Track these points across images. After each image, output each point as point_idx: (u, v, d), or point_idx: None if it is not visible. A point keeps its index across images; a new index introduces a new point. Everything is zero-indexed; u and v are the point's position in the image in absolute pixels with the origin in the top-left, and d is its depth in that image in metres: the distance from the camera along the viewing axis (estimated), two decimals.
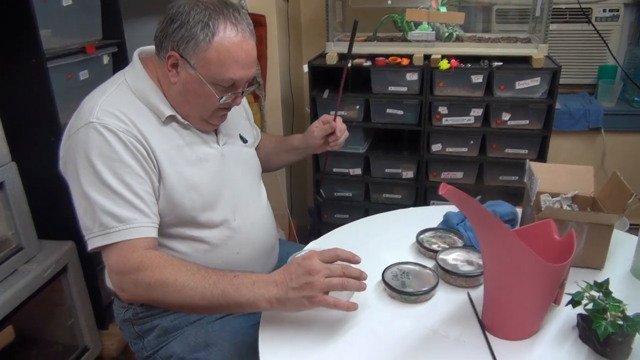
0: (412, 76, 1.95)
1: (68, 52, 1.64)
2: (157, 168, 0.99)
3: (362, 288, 0.88)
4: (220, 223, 1.08)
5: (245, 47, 0.98)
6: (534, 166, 1.16)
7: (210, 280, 0.88)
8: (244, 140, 1.21)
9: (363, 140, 2.18)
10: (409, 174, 2.15)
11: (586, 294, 0.82)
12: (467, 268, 1.03)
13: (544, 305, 0.84)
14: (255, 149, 1.38)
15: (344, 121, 2.19)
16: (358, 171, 2.21)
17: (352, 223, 1.34)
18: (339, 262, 0.90)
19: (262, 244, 1.18)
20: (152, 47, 1.04)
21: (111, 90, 1.00)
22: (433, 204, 2.18)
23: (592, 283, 0.83)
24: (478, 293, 1.00)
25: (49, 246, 1.62)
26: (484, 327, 0.89)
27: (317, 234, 2.56)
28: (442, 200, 2.21)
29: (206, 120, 1.05)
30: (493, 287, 0.85)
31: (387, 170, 2.17)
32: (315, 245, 1.22)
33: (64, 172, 1.00)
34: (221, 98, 0.99)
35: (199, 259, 1.05)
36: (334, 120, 1.29)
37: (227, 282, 0.88)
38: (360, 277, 0.88)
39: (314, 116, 2.16)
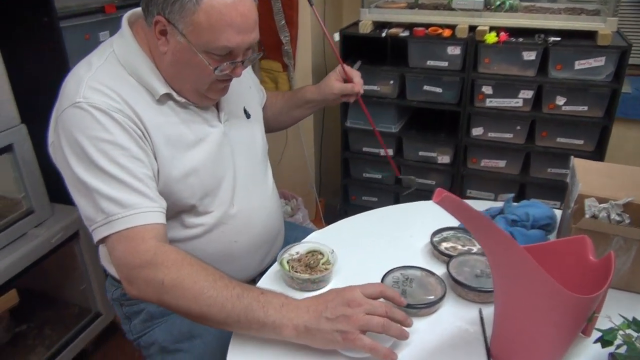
0: (455, 50, 1.76)
1: (86, 12, 1.58)
2: (152, 151, 0.90)
3: (405, 337, 0.75)
4: (216, 209, 0.99)
5: (241, 8, 0.85)
6: (580, 165, 0.99)
7: (233, 291, 0.77)
8: (248, 115, 1.10)
9: (396, 119, 2.02)
10: (445, 159, 1.98)
11: (621, 332, 0.67)
12: (483, 280, 0.89)
13: (565, 341, 0.69)
14: (262, 109, 1.28)
15: (375, 97, 2.08)
16: (390, 152, 2.06)
17: (367, 212, 1.21)
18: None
19: (264, 232, 1.08)
20: None
21: (98, 64, 0.90)
22: (470, 193, 2.01)
23: (631, 318, 0.68)
24: (492, 310, 0.86)
25: (62, 211, 1.61)
26: (490, 355, 0.76)
27: (344, 214, 2.47)
28: (483, 189, 2.04)
29: (204, 94, 0.94)
30: (503, 314, 0.71)
31: (421, 153, 2.01)
32: (318, 235, 1.11)
33: (55, 159, 0.91)
34: (216, 69, 0.88)
35: (186, 246, 0.98)
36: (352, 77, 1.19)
37: (252, 297, 0.77)
38: (405, 322, 0.76)
39: None
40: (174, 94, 0.93)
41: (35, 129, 1.44)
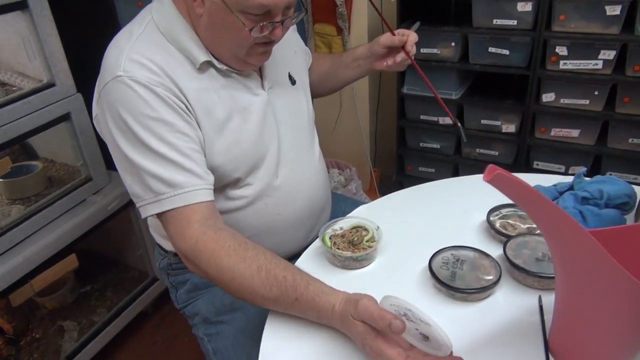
0: (525, 6, 1.59)
1: None
2: (197, 122, 0.87)
3: None
4: (259, 181, 0.97)
5: None
6: None
7: (271, 294, 0.76)
8: (293, 82, 1.05)
9: (457, 85, 1.89)
10: (510, 128, 1.84)
11: None
12: (545, 265, 0.81)
13: (637, 343, 0.60)
14: (309, 71, 1.22)
15: (435, 60, 1.95)
16: (449, 120, 1.94)
17: (418, 186, 1.14)
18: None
19: (308, 205, 1.05)
20: None
21: (138, 32, 0.87)
22: (537, 165, 1.86)
23: None
24: (553, 299, 0.78)
25: (119, 178, 1.65)
26: (549, 351, 0.68)
27: (399, 185, 2.39)
28: (552, 161, 1.89)
29: (243, 59, 0.90)
30: (565, 306, 0.63)
31: (483, 122, 1.87)
32: (364, 209, 1.06)
33: (100, 133, 0.91)
34: (252, 29, 0.83)
35: (229, 218, 0.96)
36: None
37: (288, 304, 0.76)
38: None
39: None
40: (215, 61, 0.89)
41: (89, 97, 1.47)
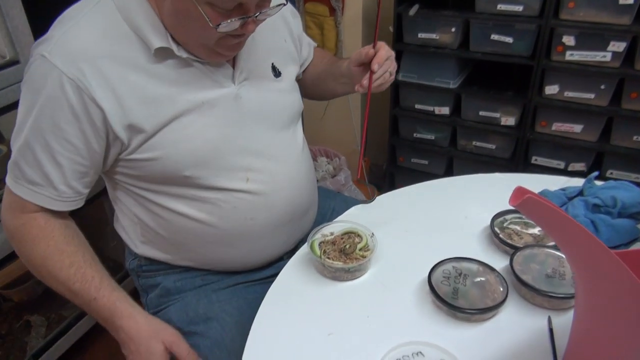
0: None
1: None
2: (123, 126, 0.78)
3: None
4: (225, 183, 0.87)
5: None
6: None
7: (73, 287, 0.81)
8: (277, 73, 0.95)
9: (456, 73, 1.81)
10: (509, 120, 1.77)
11: None
12: (555, 282, 0.74)
13: None
14: (305, 69, 1.12)
15: (433, 47, 1.85)
16: (445, 110, 1.87)
17: (413, 186, 1.07)
18: None
19: (289, 210, 0.95)
20: None
21: (87, 10, 0.78)
22: (535, 161, 1.80)
23: None
24: (565, 321, 0.72)
25: None
26: None
27: (390, 176, 2.32)
28: (551, 156, 1.82)
29: (213, 49, 0.79)
30: (585, 332, 0.57)
31: (481, 113, 1.80)
32: (356, 211, 0.99)
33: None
34: (219, 26, 0.72)
35: (196, 226, 0.88)
36: (374, 46, 0.92)
37: (85, 301, 0.82)
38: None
39: (398, 38, 1.82)
40: (175, 49, 0.79)
41: None
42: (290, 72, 0.99)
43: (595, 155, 1.71)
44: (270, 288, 0.81)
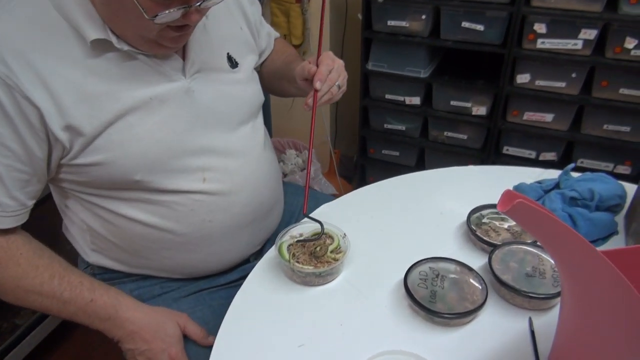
0: None
1: None
2: (62, 127, 0.70)
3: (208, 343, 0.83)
4: (179, 185, 0.81)
5: None
6: None
7: (61, 298, 0.76)
8: (234, 64, 0.88)
9: (426, 62, 1.77)
10: (480, 110, 1.75)
11: None
12: (536, 282, 0.72)
13: None
14: (263, 62, 1.06)
15: (403, 35, 1.81)
16: (416, 100, 1.83)
17: (385, 181, 1.03)
18: None
19: (250, 210, 0.89)
20: None
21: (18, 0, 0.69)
22: (507, 151, 1.79)
23: None
24: (546, 321, 0.69)
25: None
26: None
27: (361, 168, 2.28)
28: (522, 146, 1.81)
29: (154, 41, 0.72)
30: (573, 337, 0.54)
31: (453, 103, 1.78)
32: (327, 208, 0.94)
33: None
34: (156, 17, 0.65)
35: (160, 227, 0.82)
36: (317, 61, 0.87)
37: (79, 307, 0.77)
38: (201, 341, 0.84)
39: (367, 25, 1.77)
40: (114, 41, 0.71)
41: None
42: (248, 62, 0.93)
43: (566, 144, 1.71)
44: (236, 296, 0.75)
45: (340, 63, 0.90)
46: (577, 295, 0.46)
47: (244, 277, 0.80)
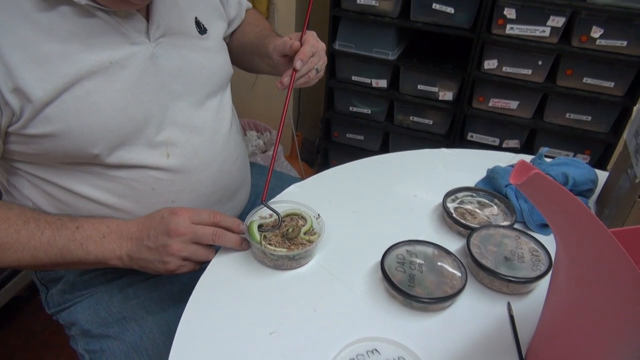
0: None
1: None
2: (10, 89, 0.63)
3: (244, 248, 0.73)
4: (140, 160, 0.75)
5: None
6: None
7: (43, 237, 0.68)
8: (202, 29, 0.82)
9: (395, 44, 1.75)
10: (447, 95, 1.75)
11: None
12: (515, 265, 0.70)
13: None
14: (233, 33, 1.00)
15: (372, 14, 1.77)
16: (383, 83, 1.81)
17: (357, 162, 1.00)
18: None
19: (216, 189, 0.85)
20: None
21: None
22: (471, 137, 1.81)
23: None
24: (525, 305, 0.69)
25: None
26: None
27: (324, 152, 2.25)
28: (486, 133, 1.82)
29: None
30: (561, 322, 0.52)
31: (420, 87, 1.77)
32: (296, 189, 0.90)
33: None
34: None
35: (117, 207, 0.76)
36: (301, 38, 0.81)
37: (67, 238, 0.68)
38: (234, 228, 0.73)
39: (336, 3, 1.72)
40: None
41: None
42: (217, 28, 0.87)
43: (529, 132, 1.74)
44: (200, 279, 0.70)
45: (322, 46, 0.85)
46: (576, 279, 0.45)
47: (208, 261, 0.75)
